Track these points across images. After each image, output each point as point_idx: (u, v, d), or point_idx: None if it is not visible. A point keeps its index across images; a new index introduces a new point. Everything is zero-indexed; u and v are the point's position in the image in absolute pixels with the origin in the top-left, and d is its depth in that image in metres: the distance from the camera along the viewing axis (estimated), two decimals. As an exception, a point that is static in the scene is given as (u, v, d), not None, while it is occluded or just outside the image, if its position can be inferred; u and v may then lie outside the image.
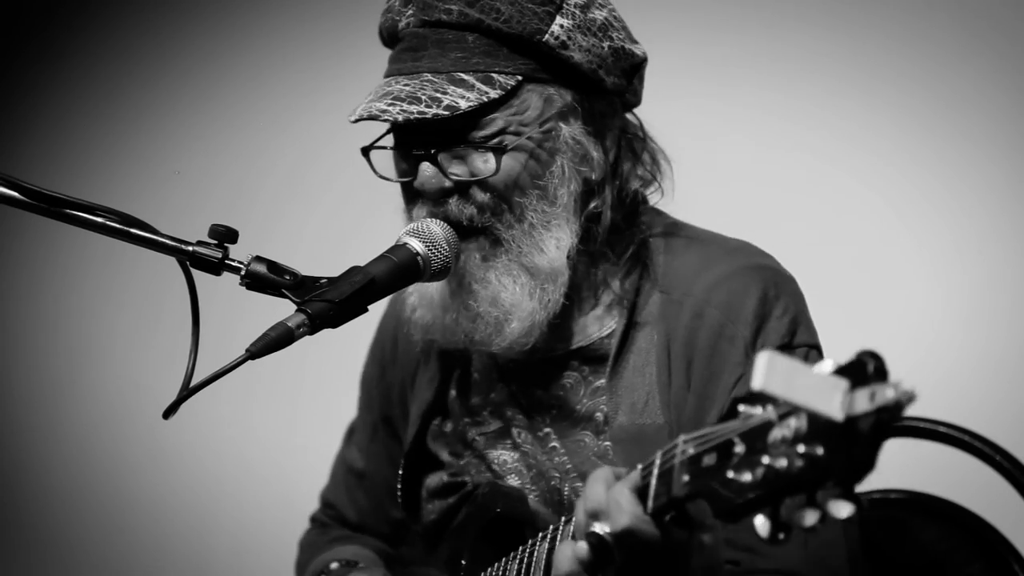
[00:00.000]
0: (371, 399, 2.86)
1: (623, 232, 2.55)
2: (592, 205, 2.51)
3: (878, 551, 2.49)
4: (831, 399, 1.66)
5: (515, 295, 2.46)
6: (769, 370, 1.67)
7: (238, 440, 4.47)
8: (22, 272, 4.65)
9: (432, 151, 2.42)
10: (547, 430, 2.57)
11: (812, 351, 2.47)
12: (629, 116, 2.57)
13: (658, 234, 2.57)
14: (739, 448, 1.76)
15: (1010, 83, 3.80)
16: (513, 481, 2.59)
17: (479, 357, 2.65)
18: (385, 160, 2.51)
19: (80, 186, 4.16)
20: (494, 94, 2.40)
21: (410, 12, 2.46)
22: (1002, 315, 3.81)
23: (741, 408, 1.79)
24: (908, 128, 3.88)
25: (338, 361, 4.16)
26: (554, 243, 2.47)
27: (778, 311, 2.46)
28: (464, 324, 2.47)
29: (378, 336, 2.86)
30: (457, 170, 2.43)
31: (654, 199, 2.60)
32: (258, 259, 2.25)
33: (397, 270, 2.32)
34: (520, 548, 2.37)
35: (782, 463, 1.70)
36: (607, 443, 2.50)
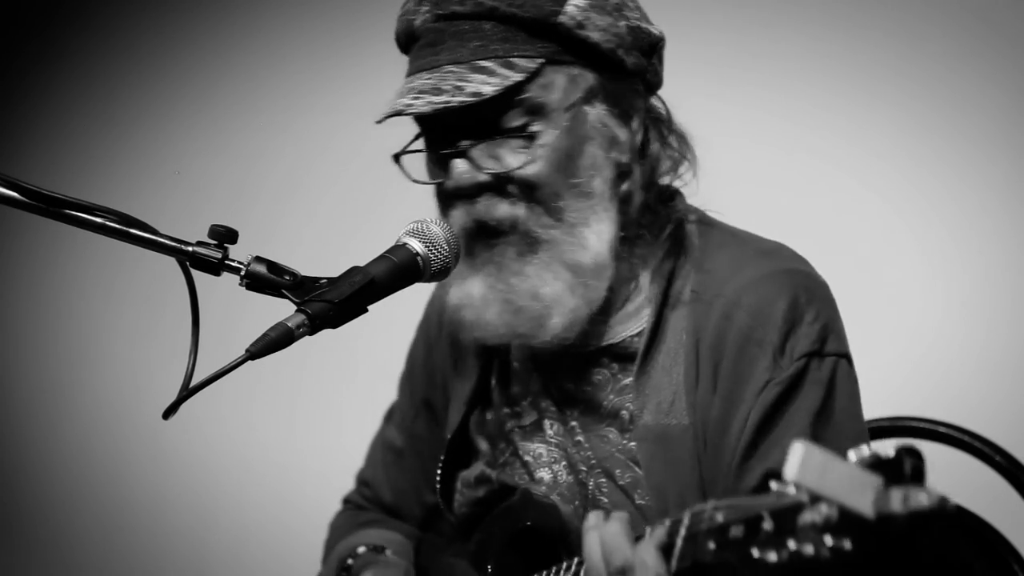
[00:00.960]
0: (415, 379, 2.85)
1: (658, 214, 2.53)
2: (623, 188, 2.50)
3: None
4: (863, 495, 1.65)
5: (555, 290, 2.44)
6: (804, 462, 1.66)
7: (238, 440, 4.47)
8: (22, 272, 4.65)
9: (464, 146, 2.42)
10: (573, 423, 2.56)
11: (841, 360, 2.43)
12: (654, 100, 2.56)
13: (693, 224, 2.55)
14: (767, 525, 1.75)
15: (1010, 83, 3.80)
16: (544, 474, 2.58)
17: (518, 347, 2.64)
18: (414, 166, 2.50)
19: (80, 186, 4.16)
20: (517, 77, 2.38)
21: (425, 9, 2.45)
22: (1002, 315, 3.81)
23: (774, 485, 1.77)
24: (908, 128, 3.88)
25: (338, 362, 4.17)
26: (595, 237, 2.45)
27: (809, 317, 2.42)
28: (507, 318, 2.45)
29: (425, 318, 2.85)
30: (490, 165, 2.42)
31: (683, 181, 2.58)
32: (258, 259, 2.24)
33: (397, 270, 2.32)
34: (544, 573, 2.37)
35: (809, 550, 1.70)
36: (631, 443, 2.49)
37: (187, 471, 4.51)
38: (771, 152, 3.92)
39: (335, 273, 2.27)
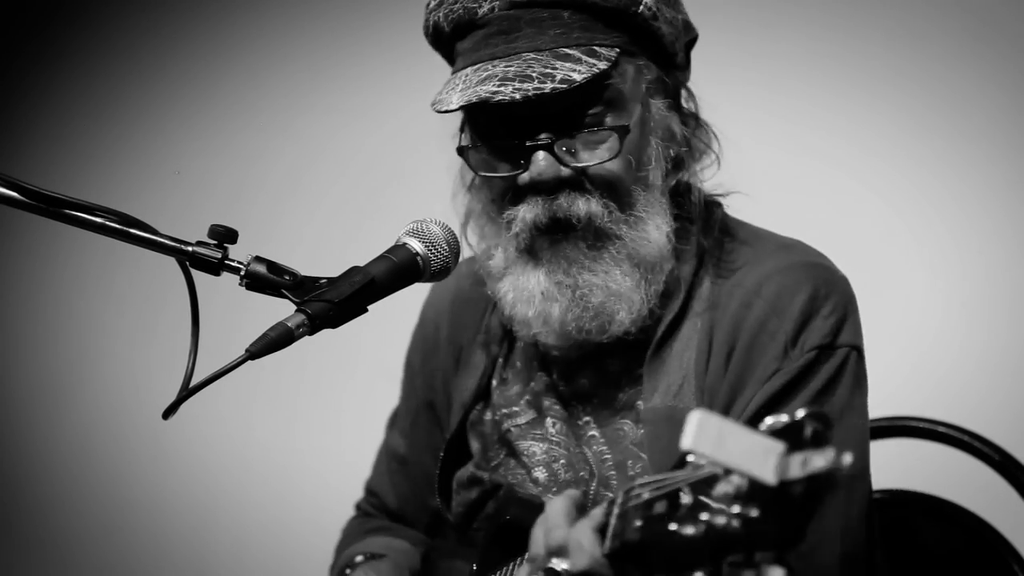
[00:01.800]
0: (414, 385, 2.83)
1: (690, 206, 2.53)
2: (673, 181, 2.49)
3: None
4: (765, 462, 1.66)
5: (625, 286, 2.43)
6: (700, 430, 1.66)
7: (238, 440, 4.47)
8: (22, 272, 4.65)
9: (545, 138, 2.38)
10: (587, 419, 2.55)
11: (852, 352, 2.43)
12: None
13: (716, 218, 2.55)
14: (686, 499, 1.75)
15: (1010, 83, 3.80)
16: (541, 474, 2.57)
17: (523, 346, 2.62)
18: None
19: (80, 186, 4.16)
20: (602, 65, 2.35)
21: None
22: (1002, 315, 3.81)
23: (690, 458, 1.77)
24: (908, 128, 3.87)
25: (338, 362, 4.17)
26: (655, 230, 2.44)
27: (825, 311, 2.43)
28: (575, 313, 2.43)
29: (421, 322, 2.84)
30: (570, 159, 2.39)
31: (708, 173, 2.59)
32: (258, 259, 2.24)
33: (397, 270, 2.31)
34: (503, 568, 2.37)
35: (720, 521, 1.70)
36: (642, 429, 2.48)
37: (187, 471, 4.50)
38: (771, 152, 3.91)
39: (335, 273, 2.27)
